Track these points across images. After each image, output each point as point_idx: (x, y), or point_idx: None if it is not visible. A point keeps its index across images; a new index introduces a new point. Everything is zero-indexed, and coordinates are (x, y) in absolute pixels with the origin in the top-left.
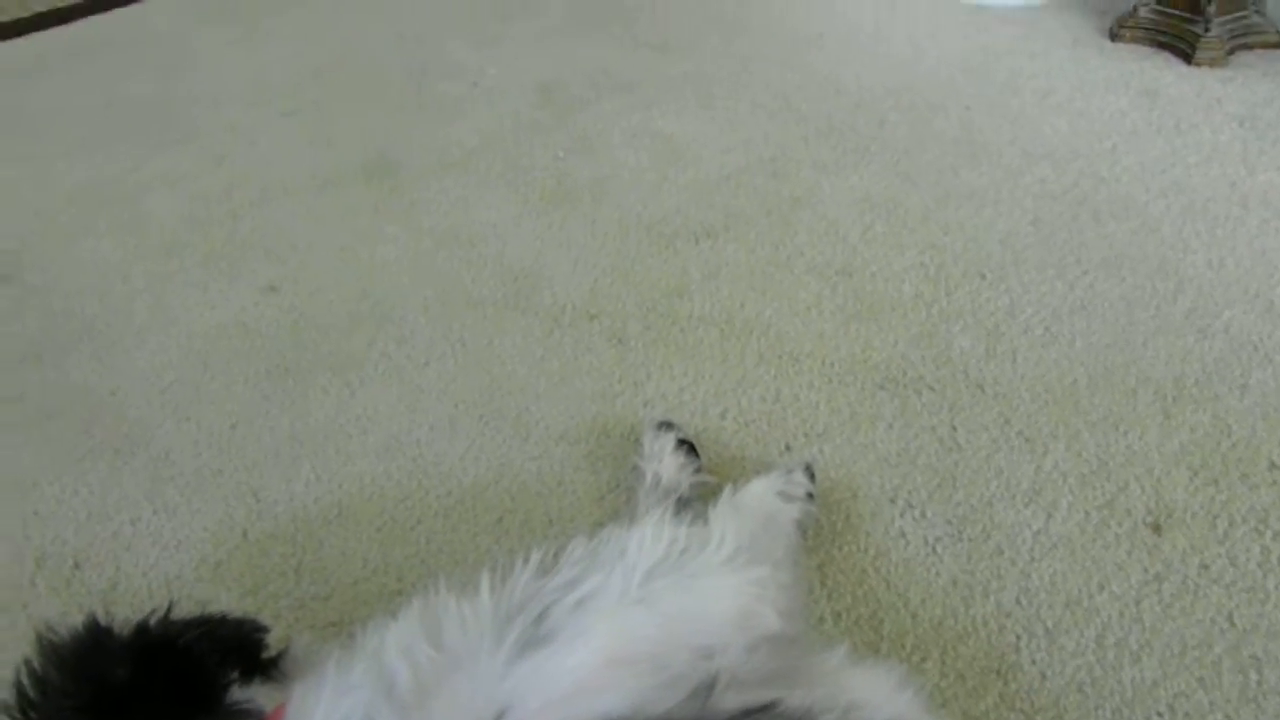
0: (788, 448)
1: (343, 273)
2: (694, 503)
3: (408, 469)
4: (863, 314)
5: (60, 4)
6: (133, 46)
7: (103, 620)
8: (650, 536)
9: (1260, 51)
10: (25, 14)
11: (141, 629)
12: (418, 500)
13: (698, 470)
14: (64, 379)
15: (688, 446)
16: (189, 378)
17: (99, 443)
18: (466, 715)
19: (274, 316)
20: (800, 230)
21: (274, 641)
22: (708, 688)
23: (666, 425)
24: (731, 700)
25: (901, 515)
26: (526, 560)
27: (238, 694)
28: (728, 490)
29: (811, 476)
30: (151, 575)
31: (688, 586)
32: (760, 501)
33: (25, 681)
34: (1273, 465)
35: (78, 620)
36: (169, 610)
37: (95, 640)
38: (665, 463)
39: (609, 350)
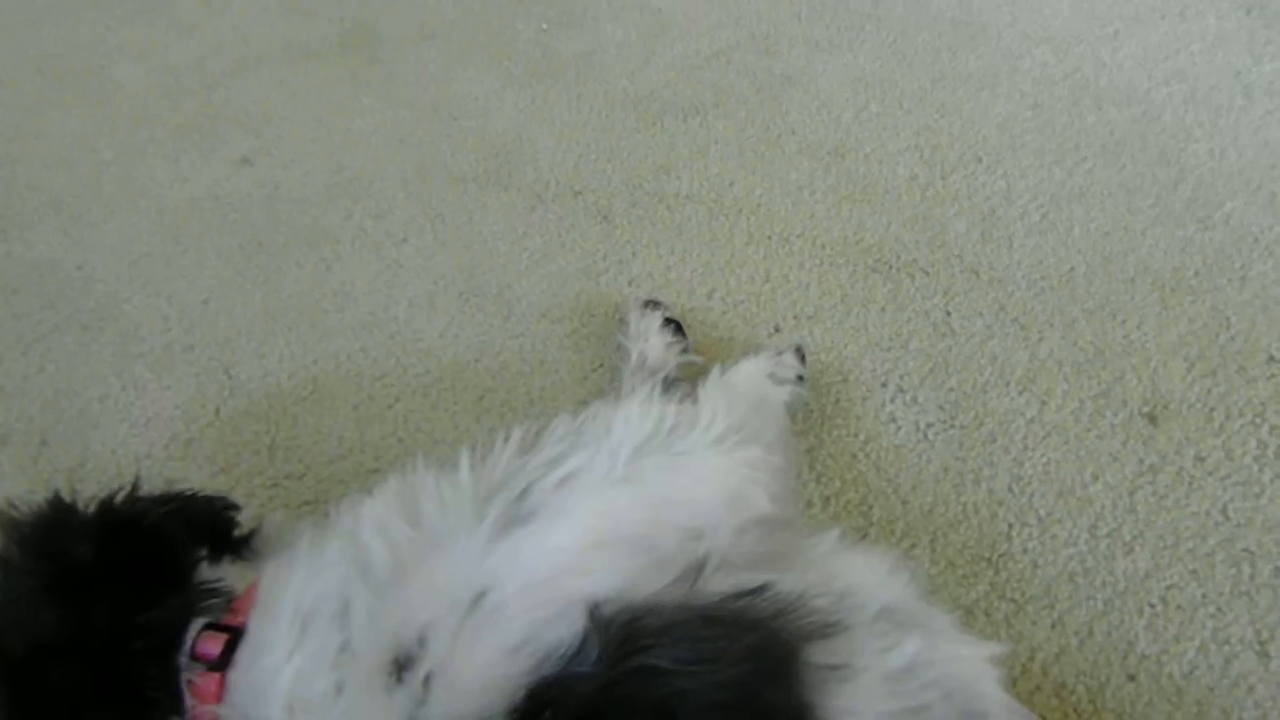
0: (777, 329)
1: (319, 145)
2: (681, 382)
3: (385, 346)
4: (855, 196)
5: None
6: None
7: (66, 497)
8: (637, 414)
9: None
10: None
11: (105, 506)
12: (395, 378)
13: (685, 350)
14: (29, 253)
15: (675, 325)
16: (159, 252)
17: (65, 318)
18: (444, 595)
19: (248, 189)
20: (792, 109)
21: (246, 521)
22: (697, 569)
23: (653, 303)
24: (721, 582)
25: (893, 400)
26: (508, 438)
27: (206, 572)
28: (716, 370)
29: (802, 359)
30: (120, 453)
31: (676, 466)
32: (750, 383)
33: None
34: (1271, 359)
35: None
36: (135, 487)
37: (58, 518)
38: (651, 341)
39: (593, 227)
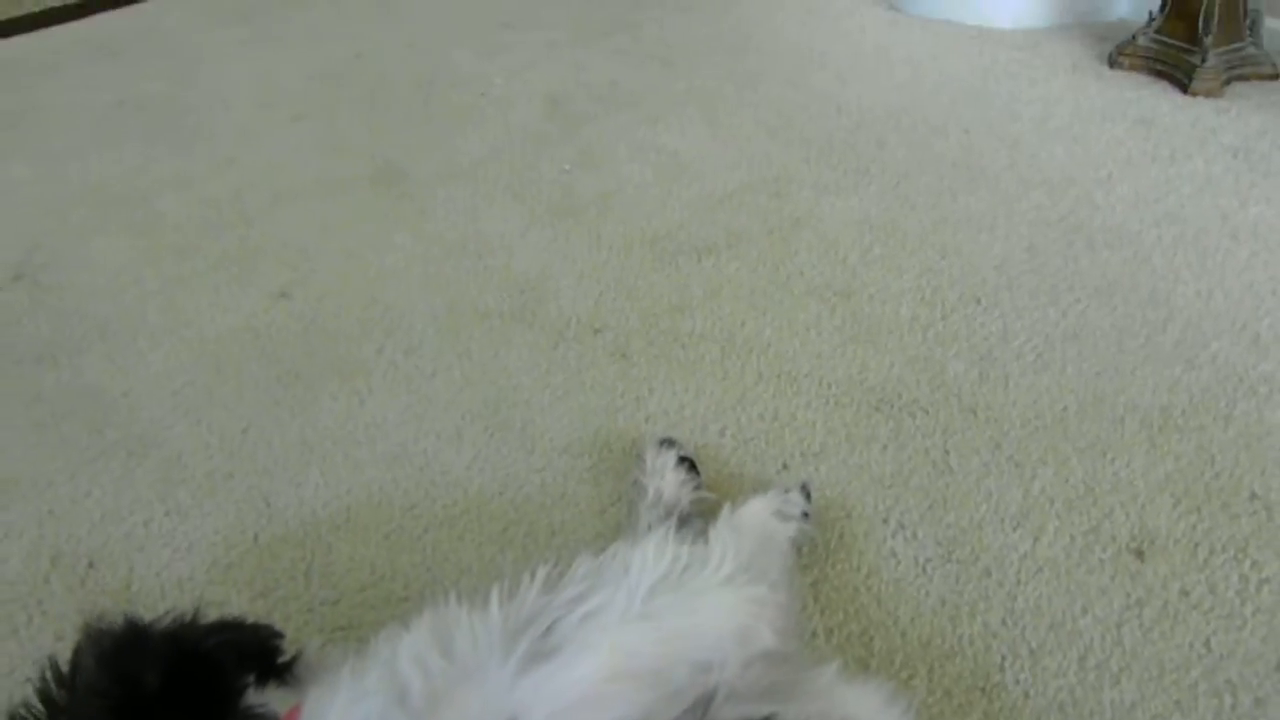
0: (785, 466)
1: (352, 279)
2: (694, 518)
3: (415, 477)
4: (860, 336)
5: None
6: (142, 44)
7: (140, 620)
8: (653, 554)
9: (1256, 83)
10: (36, 8)
11: (176, 635)
12: (424, 509)
13: (697, 487)
14: (77, 380)
15: (688, 464)
16: (201, 381)
17: (112, 444)
18: None
19: (284, 322)
20: (800, 250)
21: (286, 646)
22: (707, 700)
23: (668, 442)
24: (729, 712)
25: (894, 535)
26: (534, 576)
27: (252, 698)
28: (726, 509)
29: (807, 496)
30: (164, 576)
31: (689, 604)
32: (758, 521)
33: (59, 669)
34: (1253, 495)
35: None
36: (195, 615)
37: (135, 642)
38: (667, 479)
39: (612, 365)
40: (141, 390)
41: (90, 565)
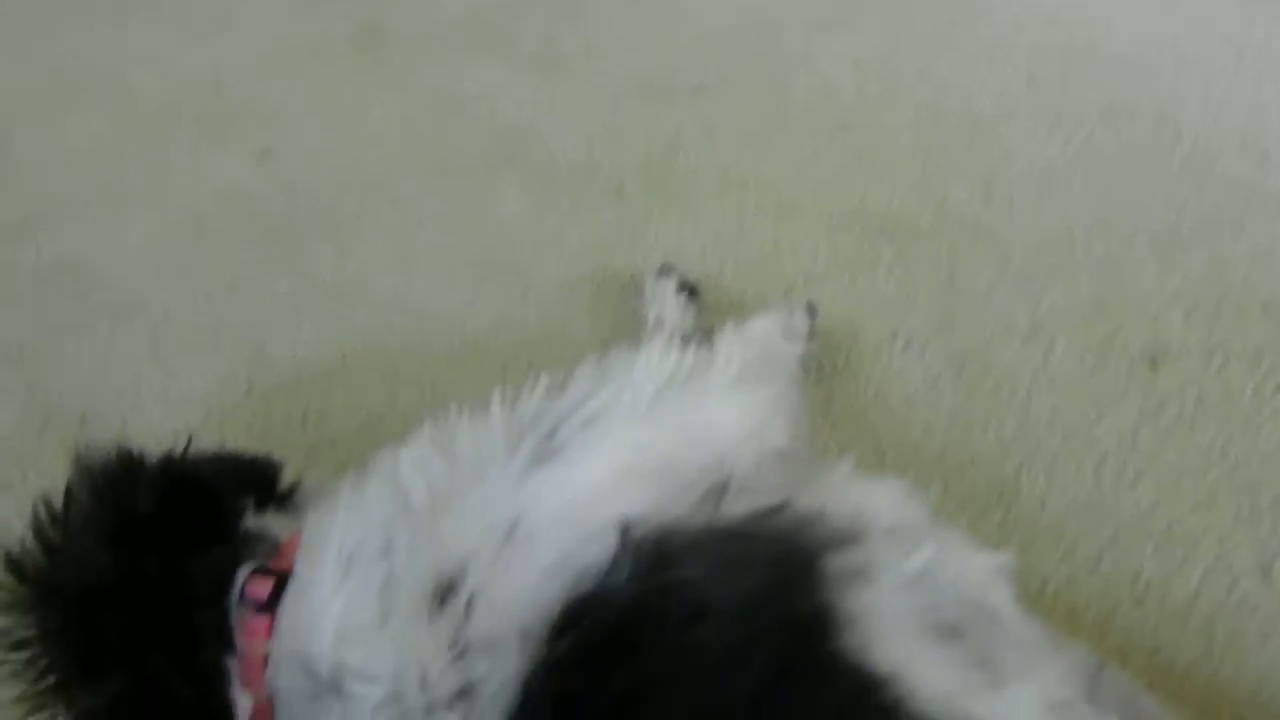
0: (788, 292)
1: (333, 138)
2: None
3: (409, 323)
4: (859, 166)
5: None
6: None
7: (132, 450)
8: (658, 357)
9: None
10: None
11: (168, 461)
12: (420, 352)
13: (699, 313)
14: (58, 249)
15: (689, 289)
16: (184, 244)
17: (97, 308)
18: (481, 524)
19: (266, 183)
20: (796, 88)
21: (285, 476)
22: (718, 493)
23: (667, 269)
24: (742, 504)
25: (902, 354)
26: (536, 384)
27: (252, 522)
28: (730, 325)
29: (813, 316)
30: (159, 429)
31: (696, 404)
32: (763, 337)
33: (52, 508)
34: (1266, 305)
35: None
36: (188, 444)
37: (127, 470)
38: (667, 305)
39: (607, 204)
40: (124, 257)
41: (83, 421)
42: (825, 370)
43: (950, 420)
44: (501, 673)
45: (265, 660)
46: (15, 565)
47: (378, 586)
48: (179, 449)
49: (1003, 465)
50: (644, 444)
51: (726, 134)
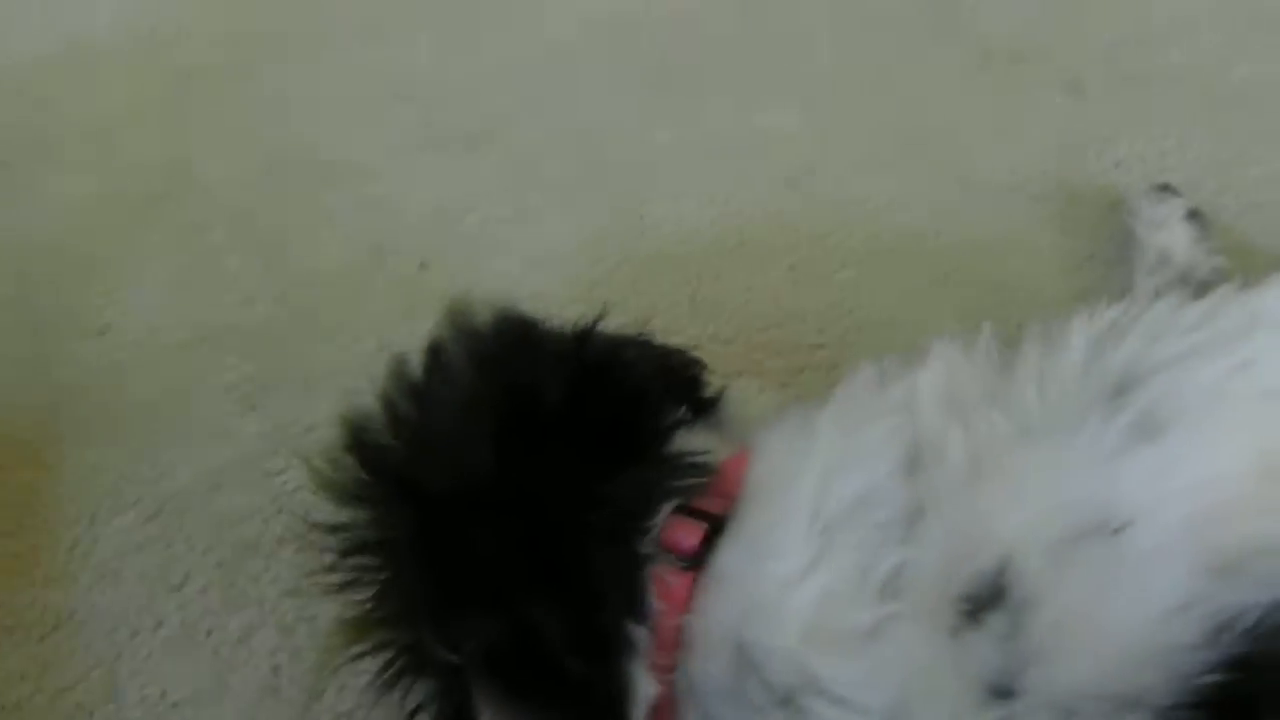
0: None
1: None
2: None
3: (823, 204)
4: None
5: None
6: None
7: (532, 317)
8: None
9: None
10: None
11: (585, 339)
12: (838, 241)
13: (1213, 251)
14: (408, 59)
15: (1200, 219)
16: (552, 75)
17: (445, 133)
18: (1052, 515)
19: (651, 11)
20: None
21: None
22: None
23: (1169, 189)
24: None
25: None
26: (1106, 317)
27: (683, 441)
28: None
29: None
30: (514, 289)
31: None
32: None
33: (409, 375)
34: None
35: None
36: (599, 317)
37: (526, 338)
38: (1176, 235)
39: (1060, 100)
40: (479, 79)
41: (422, 265)
42: None
43: None
44: None
45: (681, 637)
46: (360, 443)
47: (881, 574)
48: (589, 322)
49: None
50: None
51: (1212, 29)
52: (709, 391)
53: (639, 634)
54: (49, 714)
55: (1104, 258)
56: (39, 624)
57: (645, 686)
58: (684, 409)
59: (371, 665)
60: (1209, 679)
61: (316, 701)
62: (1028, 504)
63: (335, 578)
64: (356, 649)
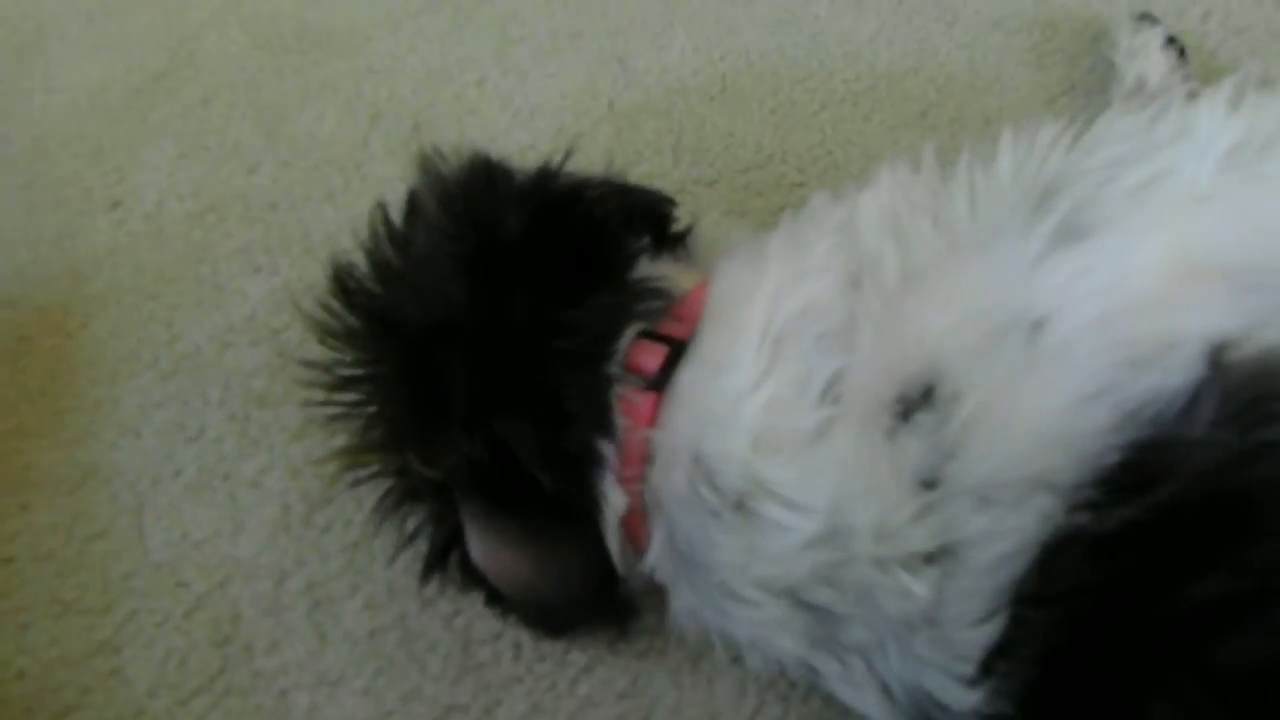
0: None
1: None
2: None
3: (805, 47)
4: None
5: None
6: None
7: (495, 159)
8: (1224, 112)
9: None
10: None
11: (544, 175)
12: (819, 82)
13: (1189, 77)
14: None
15: (1178, 46)
16: None
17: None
18: (979, 317)
19: None
20: None
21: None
22: None
23: (1149, 18)
24: None
25: None
26: (1044, 133)
27: (646, 268)
28: None
29: None
30: (502, 143)
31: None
32: None
33: (391, 222)
34: None
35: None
36: (565, 158)
37: (489, 180)
38: (1153, 60)
39: None
40: None
41: (415, 127)
42: None
43: None
44: (1003, 541)
45: (646, 451)
46: (345, 289)
47: (821, 382)
48: (553, 163)
49: None
50: (1213, 232)
51: None
52: (679, 227)
53: (607, 449)
54: (80, 561)
55: (1084, 89)
56: (67, 479)
57: (615, 498)
58: (646, 239)
59: (371, 495)
60: (1113, 459)
61: (325, 534)
62: (953, 309)
63: (330, 412)
64: (351, 475)
